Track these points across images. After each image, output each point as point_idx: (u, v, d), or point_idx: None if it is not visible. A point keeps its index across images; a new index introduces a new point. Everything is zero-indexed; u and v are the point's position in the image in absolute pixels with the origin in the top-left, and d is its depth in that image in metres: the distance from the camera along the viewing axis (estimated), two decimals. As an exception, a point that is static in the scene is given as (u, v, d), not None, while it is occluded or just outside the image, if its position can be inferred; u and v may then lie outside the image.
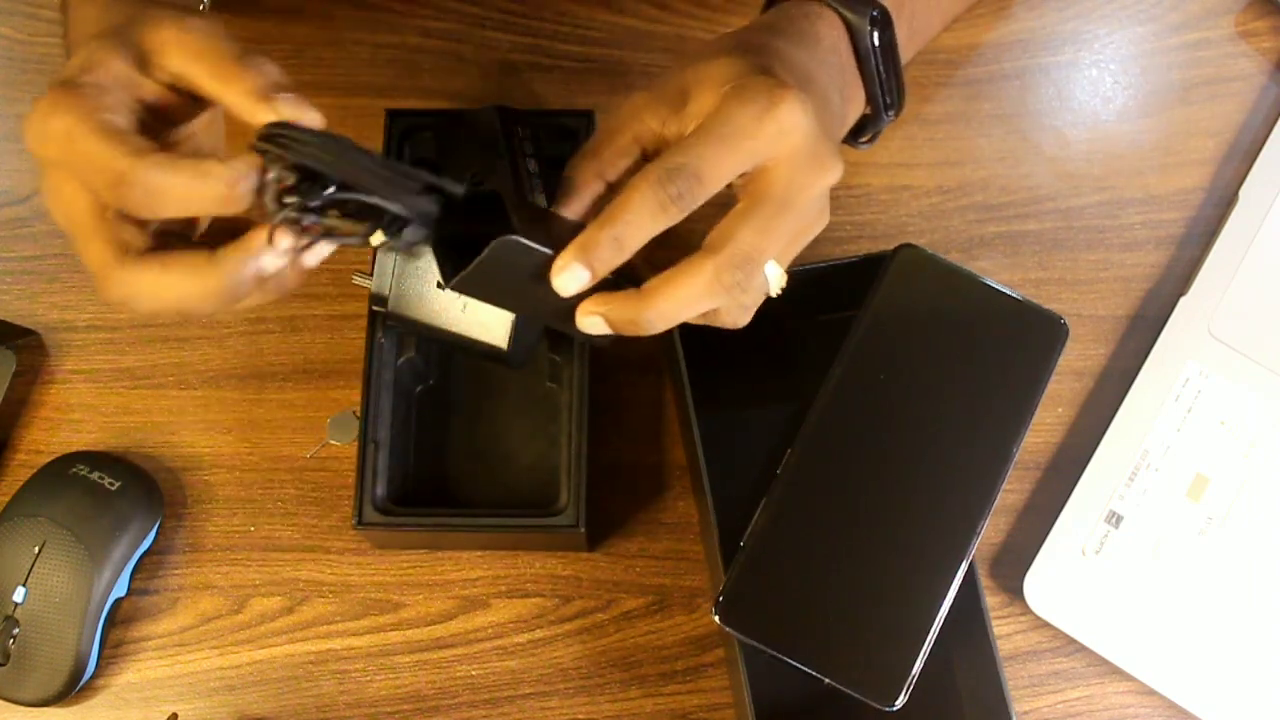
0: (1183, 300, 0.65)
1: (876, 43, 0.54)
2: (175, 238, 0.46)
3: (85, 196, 0.44)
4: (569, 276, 0.45)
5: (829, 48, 0.53)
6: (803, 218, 0.47)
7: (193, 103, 0.46)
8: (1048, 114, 0.71)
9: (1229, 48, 0.72)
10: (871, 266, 0.58)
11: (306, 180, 0.42)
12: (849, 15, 0.53)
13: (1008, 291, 0.57)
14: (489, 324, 0.56)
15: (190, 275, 0.43)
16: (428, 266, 0.56)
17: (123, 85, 0.45)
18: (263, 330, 0.67)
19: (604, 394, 0.64)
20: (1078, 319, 0.66)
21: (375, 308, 0.58)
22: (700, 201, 0.45)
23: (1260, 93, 0.71)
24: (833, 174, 0.47)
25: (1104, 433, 0.63)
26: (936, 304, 0.57)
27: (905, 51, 0.57)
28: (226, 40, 0.45)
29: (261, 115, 0.43)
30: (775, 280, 0.48)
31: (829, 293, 0.61)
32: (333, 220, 0.43)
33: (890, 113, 0.57)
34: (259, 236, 0.43)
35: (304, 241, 0.43)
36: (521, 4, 0.73)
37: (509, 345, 0.56)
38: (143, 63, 0.45)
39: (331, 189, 0.42)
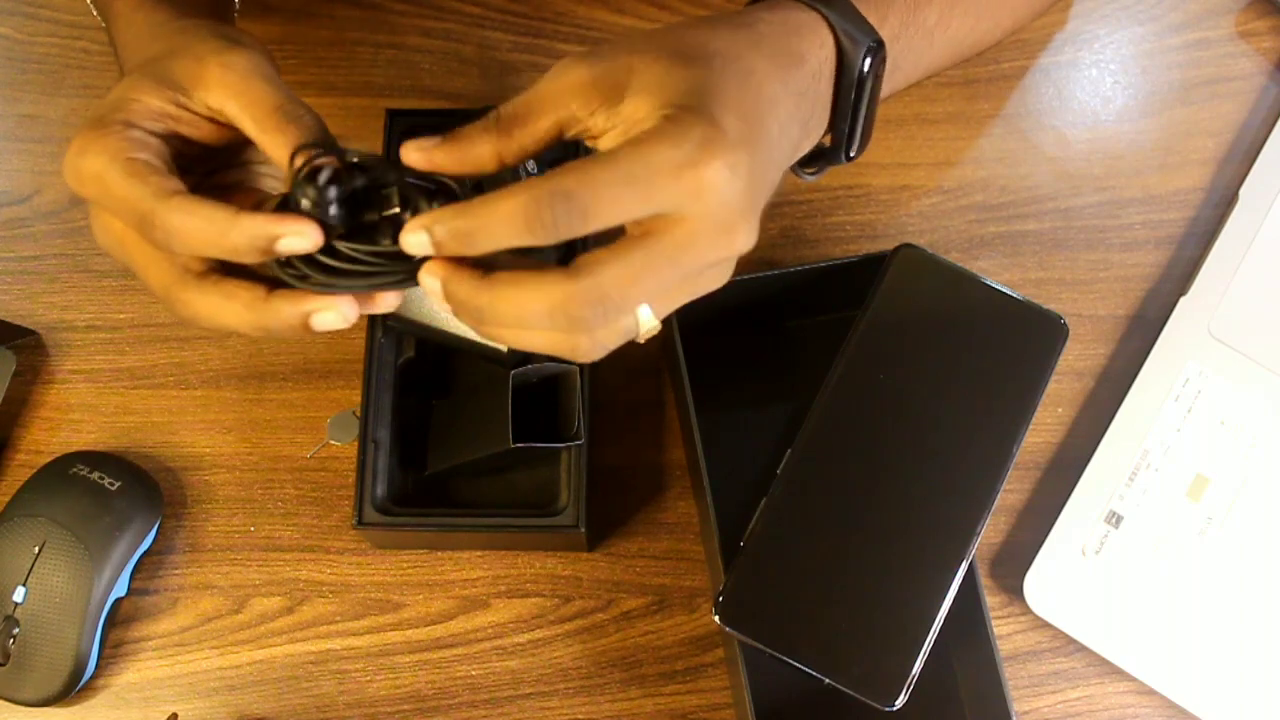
0: (1183, 300, 0.65)
1: (865, 73, 0.49)
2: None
3: (131, 230, 0.44)
4: (414, 239, 0.41)
5: (810, 73, 0.48)
6: (692, 279, 0.43)
7: (237, 131, 0.46)
8: (1048, 114, 0.71)
9: (1229, 48, 0.72)
10: (871, 266, 0.58)
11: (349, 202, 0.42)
12: (846, 42, 0.49)
13: (1008, 291, 0.57)
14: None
15: (246, 310, 0.44)
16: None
17: (158, 119, 0.45)
18: (263, 330, 0.67)
19: (604, 394, 0.64)
20: (1078, 319, 0.66)
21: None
22: (577, 235, 0.40)
23: (1260, 93, 0.71)
24: (741, 247, 0.42)
25: (1104, 433, 0.63)
26: (936, 304, 0.57)
27: (884, 87, 0.53)
28: (270, 81, 0.45)
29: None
30: (645, 325, 0.42)
31: (829, 293, 0.61)
32: (373, 255, 0.42)
33: (850, 154, 0.53)
34: (311, 297, 0.43)
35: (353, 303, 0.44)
36: (521, 4, 0.73)
37: (509, 347, 0.56)
38: (182, 96, 0.45)
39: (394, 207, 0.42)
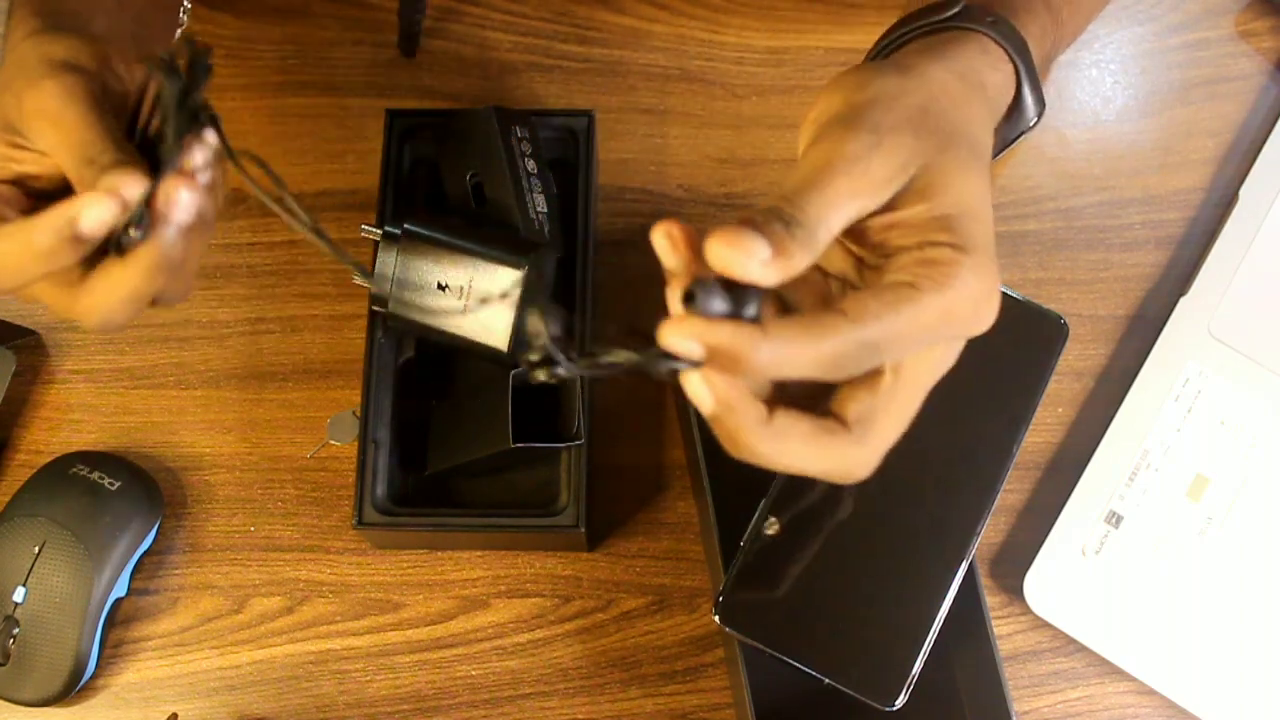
0: (1183, 300, 0.65)
1: (1020, 137, 0.49)
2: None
3: None
4: (681, 344, 0.36)
5: (995, 106, 0.47)
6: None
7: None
8: (1048, 114, 0.70)
9: (1229, 48, 0.72)
10: (871, 266, 0.58)
11: None
12: (1030, 107, 0.48)
13: (1008, 291, 0.57)
14: (489, 325, 0.56)
15: (18, 248, 0.42)
16: (428, 267, 0.56)
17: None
18: (263, 330, 0.67)
19: (604, 394, 0.64)
20: (1078, 319, 0.66)
21: (375, 308, 0.58)
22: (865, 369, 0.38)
23: (1260, 93, 0.71)
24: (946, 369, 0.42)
25: (1104, 433, 0.63)
26: (936, 304, 0.57)
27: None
28: (77, 119, 0.43)
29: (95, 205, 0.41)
30: None
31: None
32: None
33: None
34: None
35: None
36: (521, 4, 0.73)
37: (509, 347, 0.56)
38: (16, 137, 0.44)
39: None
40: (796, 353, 0.36)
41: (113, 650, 0.62)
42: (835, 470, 0.39)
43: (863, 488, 0.54)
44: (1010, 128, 0.49)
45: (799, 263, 0.37)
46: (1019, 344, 0.57)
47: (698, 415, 0.57)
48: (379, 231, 0.57)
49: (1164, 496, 0.62)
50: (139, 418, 0.65)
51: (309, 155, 0.70)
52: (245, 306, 0.67)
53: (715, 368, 0.36)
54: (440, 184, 0.61)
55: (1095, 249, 0.68)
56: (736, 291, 0.36)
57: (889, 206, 0.40)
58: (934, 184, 0.40)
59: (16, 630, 0.59)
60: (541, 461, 0.61)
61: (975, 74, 0.45)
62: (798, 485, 0.54)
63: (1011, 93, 0.47)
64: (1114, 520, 0.62)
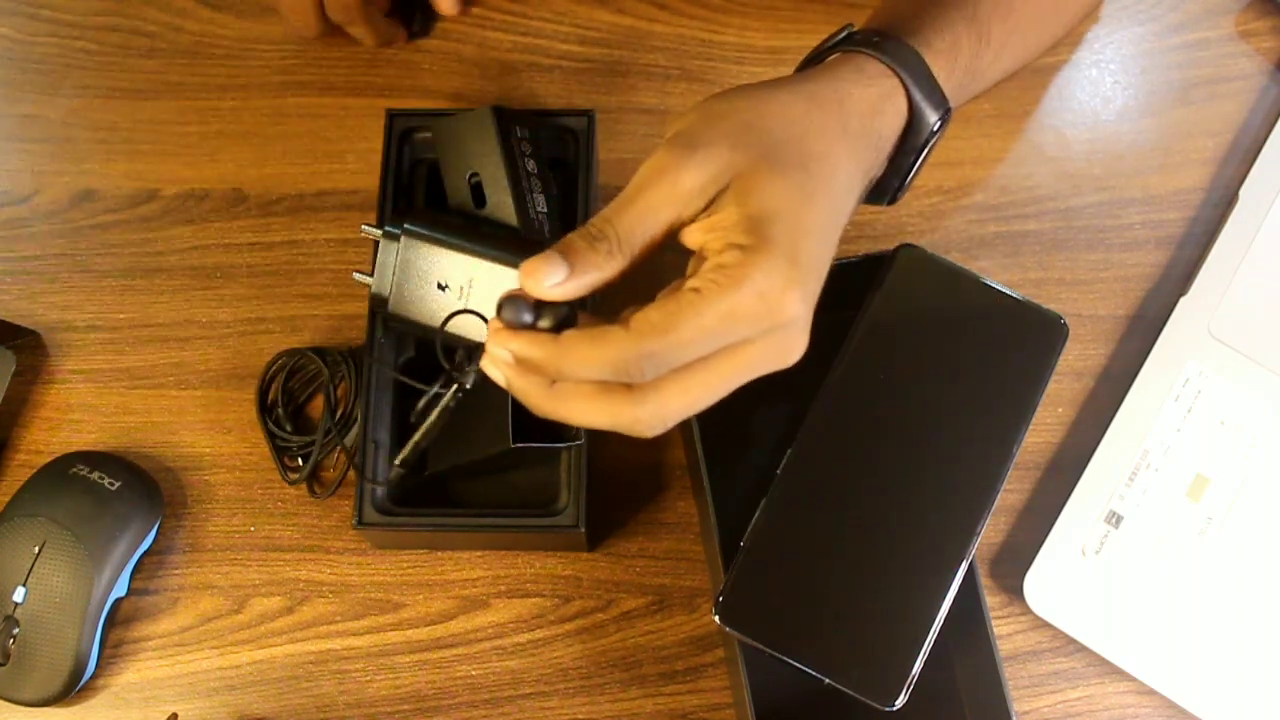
0: (1183, 300, 0.65)
1: (930, 141, 0.52)
2: None
3: None
4: (494, 360, 0.44)
5: (884, 149, 0.51)
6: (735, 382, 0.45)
7: None
8: (1048, 114, 0.71)
9: (1229, 48, 0.72)
10: (871, 266, 0.58)
11: None
12: (920, 112, 0.51)
13: (1008, 291, 0.57)
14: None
15: None
16: (428, 267, 0.56)
17: None
18: (263, 330, 0.67)
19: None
20: (1078, 319, 0.66)
21: (375, 308, 0.58)
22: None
23: (1260, 93, 0.71)
24: (792, 360, 0.45)
25: (1104, 433, 0.63)
26: (936, 304, 0.57)
27: None
28: None
29: None
30: None
31: (829, 293, 0.61)
32: None
33: (894, 201, 0.55)
34: None
35: None
36: (521, 4, 0.73)
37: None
38: None
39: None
40: (584, 359, 0.43)
41: (113, 650, 0.62)
42: (620, 424, 0.44)
43: (863, 488, 0.54)
44: (914, 135, 0.52)
45: (607, 270, 0.44)
46: (1019, 344, 0.57)
47: (698, 417, 0.57)
48: (379, 231, 0.57)
49: (1164, 496, 0.62)
50: (139, 418, 0.65)
51: (309, 155, 0.70)
52: (245, 306, 0.67)
53: (523, 368, 0.44)
54: (440, 184, 0.61)
55: (1095, 249, 0.68)
56: (543, 307, 0.44)
57: (709, 213, 0.44)
58: (746, 190, 0.44)
59: (16, 630, 0.59)
60: (541, 461, 0.61)
61: (833, 92, 0.49)
62: (798, 485, 0.54)
63: (896, 104, 0.51)
64: (1114, 520, 0.62)
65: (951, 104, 0.53)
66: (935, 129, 0.52)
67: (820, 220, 0.45)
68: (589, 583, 0.63)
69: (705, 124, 0.45)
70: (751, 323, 0.43)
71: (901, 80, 0.51)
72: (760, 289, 0.42)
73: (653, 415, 0.43)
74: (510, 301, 0.44)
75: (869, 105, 0.49)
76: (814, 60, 0.53)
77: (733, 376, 0.44)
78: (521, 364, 0.44)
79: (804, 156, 0.46)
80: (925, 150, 0.53)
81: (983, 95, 0.60)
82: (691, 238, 0.45)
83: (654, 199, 0.44)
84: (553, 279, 0.43)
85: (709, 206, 0.44)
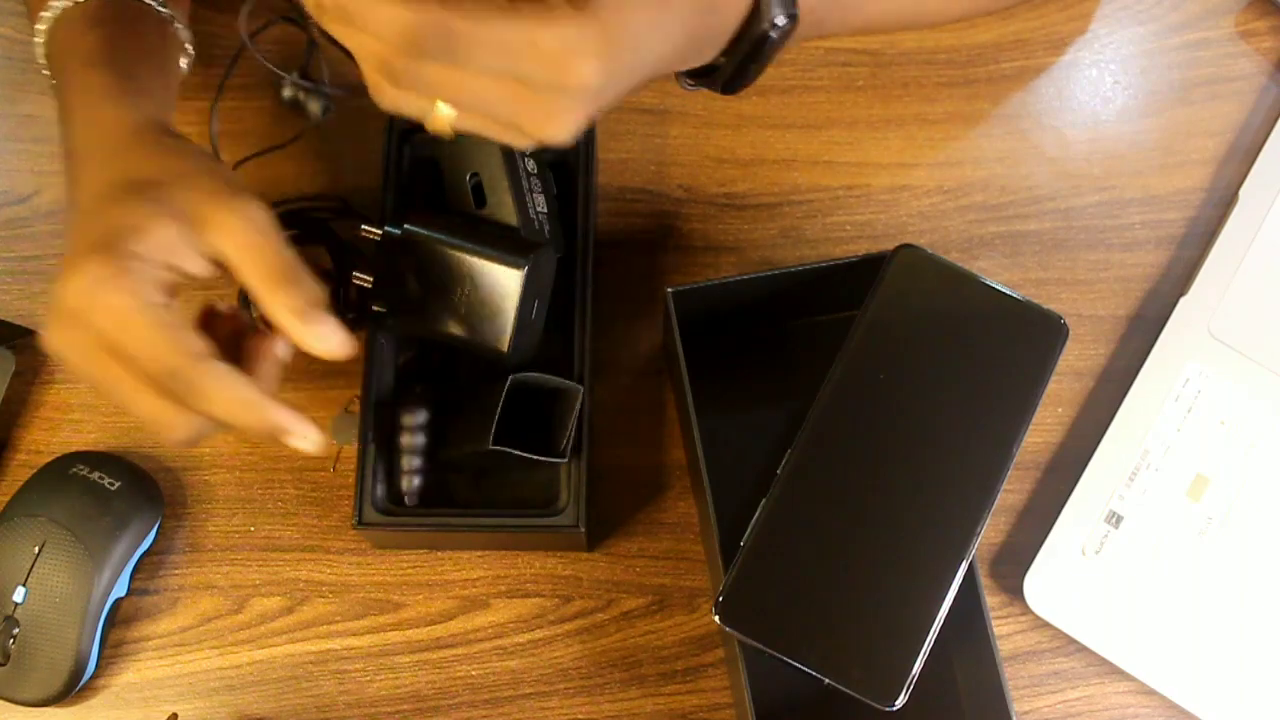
0: (1183, 300, 0.65)
1: (771, 35, 0.50)
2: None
3: (133, 372, 0.46)
4: None
5: (719, 6, 0.49)
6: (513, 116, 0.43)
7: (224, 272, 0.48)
8: (1048, 114, 0.71)
9: (1229, 48, 0.72)
10: (871, 266, 0.58)
11: None
12: (773, 6, 0.49)
13: (1008, 291, 0.57)
14: (489, 325, 0.56)
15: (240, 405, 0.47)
16: (428, 267, 0.56)
17: (167, 253, 0.46)
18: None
19: (604, 394, 0.64)
20: (1078, 319, 0.66)
21: (375, 308, 0.58)
22: (431, 73, 0.42)
23: (1260, 93, 0.71)
24: (547, 134, 0.44)
25: (1104, 433, 0.63)
26: (936, 304, 0.57)
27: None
28: (276, 238, 0.47)
29: (297, 333, 0.47)
30: (441, 113, 0.44)
31: (829, 293, 0.61)
32: None
33: (730, 89, 0.53)
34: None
35: None
36: (521, 3, 0.72)
37: (509, 347, 0.56)
38: (191, 232, 0.47)
39: None
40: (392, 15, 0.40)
41: (113, 650, 0.62)
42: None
43: (863, 488, 0.54)
44: (754, 22, 0.49)
45: None
46: (1019, 344, 0.57)
47: (697, 414, 0.57)
48: (379, 231, 0.57)
49: (1164, 496, 0.62)
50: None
51: (309, 155, 0.70)
52: (245, 306, 0.67)
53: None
54: (440, 184, 0.61)
55: (1095, 249, 0.68)
56: None
57: None
58: None
59: (16, 630, 0.59)
60: (540, 462, 0.60)
61: None
62: (798, 485, 0.54)
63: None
64: (1114, 520, 0.62)
65: (813, 19, 0.52)
66: (776, 25, 0.49)
67: (654, 33, 0.45)
68: (589, 583, 0.63)
69: None
70: (540, 65, 0.42)
71: None
72: (567, 38, 0.41)
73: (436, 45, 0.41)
74: None
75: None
76: None
77: (489, 107, 0.43)
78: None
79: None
80: (764, 46, 0.50)
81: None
82: None
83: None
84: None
85: None
